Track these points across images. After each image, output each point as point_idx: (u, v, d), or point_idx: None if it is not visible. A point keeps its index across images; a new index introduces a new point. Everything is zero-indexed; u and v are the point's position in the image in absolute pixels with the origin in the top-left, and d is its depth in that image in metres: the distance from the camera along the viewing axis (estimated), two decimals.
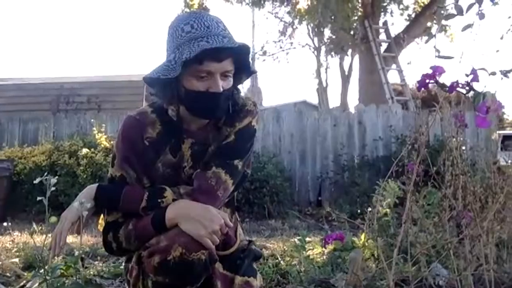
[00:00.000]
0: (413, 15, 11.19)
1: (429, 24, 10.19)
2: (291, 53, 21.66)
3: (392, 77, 9.75)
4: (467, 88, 1.07)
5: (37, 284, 1.64)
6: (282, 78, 52.75)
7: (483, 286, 1.42)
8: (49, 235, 1.32)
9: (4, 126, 6.90)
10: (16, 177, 5.72)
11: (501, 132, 8.99)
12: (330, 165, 6.41)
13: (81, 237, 1.31)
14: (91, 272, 2.31)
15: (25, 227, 4.04)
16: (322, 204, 6.10)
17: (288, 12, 12.82)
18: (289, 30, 14.27)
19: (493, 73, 1.07)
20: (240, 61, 1.26)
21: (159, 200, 1.23)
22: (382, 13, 10.94)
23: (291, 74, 51.52)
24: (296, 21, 13.10)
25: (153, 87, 1.29)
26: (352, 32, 10.83)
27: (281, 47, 14.74)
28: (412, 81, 10.36)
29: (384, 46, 10.02)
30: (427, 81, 1.12)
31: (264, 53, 14.58)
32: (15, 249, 2.97)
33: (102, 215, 1.35)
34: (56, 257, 1.56)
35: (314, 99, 18.43)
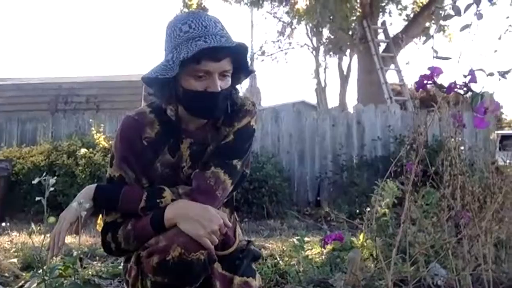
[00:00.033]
0: (411, 15, 11.20)
1: (427, 24, 10.20)
2: (289, 53, 21.72)
3: (391, 77, 9.77)
4: (465, 89, 1.07)
5: (35, 284, 1.64)
6: (280, 78, 52.87)
7: (481, 286, 1.42)
8: (48, 235, 1.31)
9: (3, 126, 6.88)
10: (15, 177, 5.70)
11: (500, 132, 9.00)
12: (329, 165, 6.41)
13: (79, 237, 1.31)
14: (90, 272, 2.31)
15: (24, 227, 4.03)
16: (321, 204, 6.11)
17: (287, 12, 12.82)
18: (288, 30, 14.29)
19: (491, 74, 1.07)
20: (238, 60, 1.26)
21: (158, 200, 1.22)
22: (381, 13, 10.95)
23: (289, 74, 51.56)
24: (295, 21, 13.09)
25: (151, 87, 1.29)
26: (350, 32, 10.83)
27: (279, 47, 14.75)
28: (410, 81, 10.37)
29: (382, 46, 10.02)
30: (425, 82, 1.13)
31: (263, 53, 14.59)
32: (13, 249, 2.96)
33: (100, 215, 1.35)
34: (54, 257, 1.55)
35: (312, 99, 18.45)
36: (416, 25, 10.28)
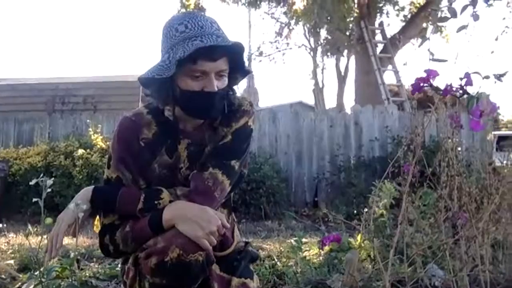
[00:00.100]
0: (408, 16, 11.22)
1: (424, 25, 10.23)
2: (287, 53, 21.69)
3: (388, 78, 9.79)
4: (460, 91, 1.07)
5: (32, 286, 1.63)
6: (278, 78, 52.85)
7: (478, 287, 1.43)
8: (45, 236, 1.31)
9: None
10: (11, 178, 5.68)
11: (497, 133, 9.02)
12: (327, 166, 6.42)
13: (76, 239, 1.31)
14: (87, 274, 2.30)
15: (21, 229, 4.02)
16: (318, 205, 6.11)
17: (285, 13, 12.83)
18: (285, 30, 14.29)
19: (487, 77, 1.07)
20: (235, 60, 1.26)
21: (155, 202, 1.22)
22: (378, 14, 10.97)
23: (287, 74, 51.66)
24: (293, 22, 13.11)
25: (148, 88, 1.29)
26: (348, 33, 10.85)
27: (277, 48, 14.76)
28: (408, 82, 10.38)
29: (380, 47, 10.04)
30: (422, 84, 1.13)
31: (261, 53, 14.58)
32: (10, 251, 2.95)
33: (98, 217, 1.34)
34: (52, 259, 1.55)
35: (310, 100, 18.45)
36: (413, 26, 10.31)
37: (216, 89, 1.22)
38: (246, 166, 1.39)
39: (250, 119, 1.35)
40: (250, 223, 4.97)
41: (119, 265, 1.64)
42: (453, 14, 1.54)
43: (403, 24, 10.94)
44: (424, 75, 1.13)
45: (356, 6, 10.29)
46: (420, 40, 10.85)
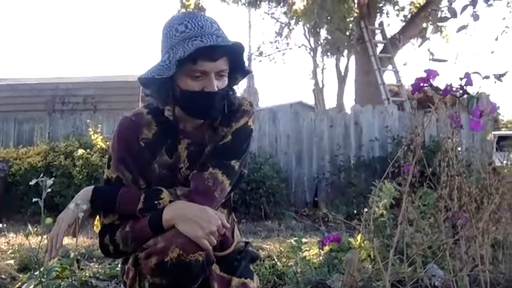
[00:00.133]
0: (408, 16, 11.23)
1: (424, 25, 10.24)
2: (287, 53, 21.69)
3: (388, 78, 9.79)
4: (460, 91, 1.07)
5: (32, 286, 1.63)
6: (278, 78, 52.86)
7: (478, 287, 1.43)
8: (45, 236, 1.31)
9: None
10: (11, 178, 5.69)
11: (497, 133, 9.02)
12: (327, 165, 6.42)
13: (76, 239, 1.31)
14: (87, 274, 2.30)
15: (21, 229, 4.02)
16: (318, 205, 6.11)
17: (285, 13, 12.83)
18: (286, 30, 14.29)
19: (487, 77, 1.08)
20: (235, 60, 1.26)
21: (156, 202, 1.22)
22: (378, 14, 10.97)
23: (287, 74, 51.67)
24: (293, 22, 13.11)
25: (148, 88, 1.29)
26: (348, 33, 10.84)
27: (277, 48, 14.76)
28: (408, 82, 10.38)
29: (380, 47, 10.04)
30: (421, 84, 1.13)
31: (261, 53, 14.58)
32: (10, 251, 2.95)
33: (98, 216, 1.34)
34: (52, 259, 1.55)
35: (310, 100, 18.46)
36: (413, 26, 10.31)
37: (216, 89, 1.22)
38: (246, 166, 1.39)
39: (250, 119, 1.35)
40: (250, 223, 4.97)
41: (119, 265, 1.64)
42: (453, 14, 1.54)
43: (403, 24, 10.94)
44: (424, 75, 1.13)
45: (356, 6, 10.29)
46: (420, 40, 10.86)
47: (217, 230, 1.17)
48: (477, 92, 1.07)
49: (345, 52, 13.53)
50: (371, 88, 9.39)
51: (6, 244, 3.29)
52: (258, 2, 11.43)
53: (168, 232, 1.18)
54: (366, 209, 2.25)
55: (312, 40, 15.64)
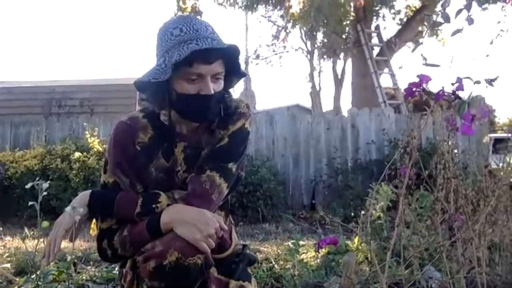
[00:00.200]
0: (404, 20, 11.27)
1: (420, 28, 10.28)
2: (284, 56, 21.78)
3: (385, 81, 9.83)
4: (452, 96, 1.08)
5: None
6: (275, 81, 52.92)
7: None
8: (41, 240, 1.31)
9: None
10: (8, 181, 5.67)
11: (493, 135, 9.06)
12: (324, 168, 6.43)
13: (73, 242, 1.31)
14: (84, 277, 2.30)
15: (17, 232, 4.00)
16: (315, 208, 6.11)
17: (281, 16, 12.84)
18: (282, 34, 14.30)
19: (478, 82, 1.08)
20: (231, 63, 1.26)
21: (153, 206, 1.22)
22: (374, 17, 11.00)
23: (284, 77, 51.70)
24: (289, 25, 13.13)
25: (144, 92, 1.29)
26: (344, 36, 10.88)
27: (274, 51, 14.75)
28: (404, 85, 10.41)
29: (376, 50, 10.07)
30: (414, 89, 1.14)
31: (257, 56, 14.59)
32: (6, 254, 2.94)
33: (94, 220, 1.34)
34: (49, 264, 1.54)
35: (307, 103, 18.50)
36: (409, 29, 10.35)
37: (212, 92, 1.22)
38: (243, 168, 1.39)
39: (247, 121, 1.35)
40: (247, 226, 4.97)
41: (117, 268, 1.64)
42: (446, 19, 1.55)
43: (399, 27, 10.98)
44: (417, 80, 1.14)
45: (352, 9, 10.33)
46: (416, 43, 10.89)
47: (215, 233, 1.17)
48: (469, 97, 1.07)
49: (342, 55, 13.57)
50: (367, 91, 9.41)
51: (2, 247, 3.27)
52: (255, 6, 11.44)
53: (166, 235, 1.17)
54: (363, 212, 2.25)
55: (308, 43, 15.67)
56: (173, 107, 1.27)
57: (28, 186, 1.46)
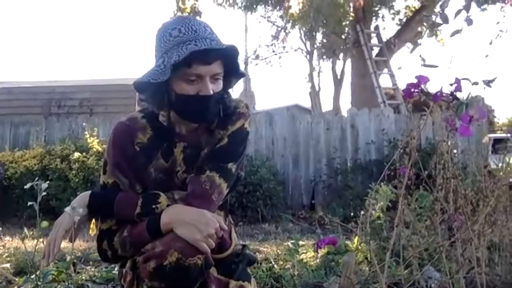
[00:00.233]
0: (404, 20, 11.28)
1: (419, 29, 10.29)
2: (283, 57, 21.79)
3: (384, 81, 9.82)
4: (450, 97, 1.08)
5: None
6: (274, 82, 52.95)
7: None
8: (41, 240, 1.31)
9: None
10: (7, 181, 5.66)
11: (492, 135, 9.07)
12: (323, 168, 6.43)
13: (73, 243, 1.31)
14: (83, 277, 2.30)
15: (16, 232, 4.00)
16: (315, 208, 6.12)
17: (281, 16, 12.84)
18: (282, 34, 14.31)
19: (476, 83, 1.08)
20: (229, 64, 1.26)
21: (153, 206, 1.22)
22: (374, 18, 11.01)
23: (283, 78, 51.72)
24: (289, 25, 13.14)
25: (143, 92, 1.29)
26: (344, 37, 10.88)
27: (273, 51, 14.77)
28: (403, 85, 10.40)
29: (375, 50, 10.07)
30: (412, 90, 1.14)
31: (257, 57, 14.60)
32: (6, 254, 2.93)
33: (94, 220, 1.34)
34: (49, 264, 1.54)
35: (306, 103, 18.50)
36: (408, 30, 10.36)
37: (211, 92, 1.22)
38: (243, 168, 1.40)
39: (246, 121, 1.35)
40: (247, 226, 4.97)
41: (116, 268, 1.64)
42: (445, 20, 1.56)
43: (399, 27, 10.99)
44: (415, 81, 1.14)
45: (351, 10, 10.33)
46: (415, 43, 10.90)
47: (215, 233, 1.17)
48: (468, 97, 1.08)
49: (341, 55, 13.58)
50: (367, 91, 9.42)
51: (2, 247, 3.27)
52: (254, 6, 11.45)
53: (167, 236, 1.17)
54: (362, 212, 2.26)
55: (308, 43, 15.69)
56: (172, 107, 1.27)
57: (27, 186, 1.46)
